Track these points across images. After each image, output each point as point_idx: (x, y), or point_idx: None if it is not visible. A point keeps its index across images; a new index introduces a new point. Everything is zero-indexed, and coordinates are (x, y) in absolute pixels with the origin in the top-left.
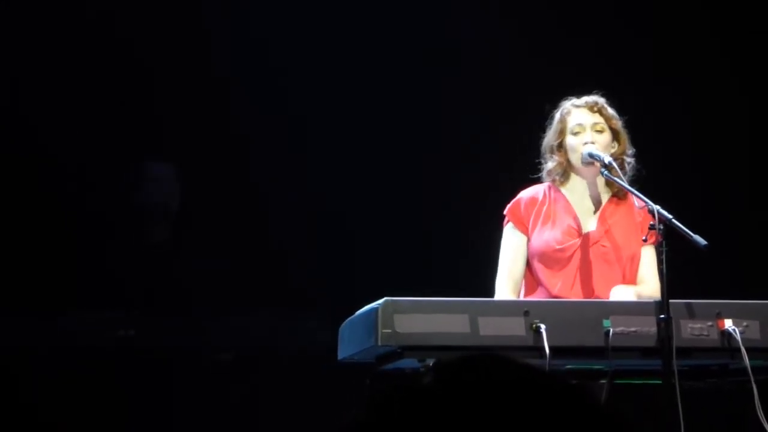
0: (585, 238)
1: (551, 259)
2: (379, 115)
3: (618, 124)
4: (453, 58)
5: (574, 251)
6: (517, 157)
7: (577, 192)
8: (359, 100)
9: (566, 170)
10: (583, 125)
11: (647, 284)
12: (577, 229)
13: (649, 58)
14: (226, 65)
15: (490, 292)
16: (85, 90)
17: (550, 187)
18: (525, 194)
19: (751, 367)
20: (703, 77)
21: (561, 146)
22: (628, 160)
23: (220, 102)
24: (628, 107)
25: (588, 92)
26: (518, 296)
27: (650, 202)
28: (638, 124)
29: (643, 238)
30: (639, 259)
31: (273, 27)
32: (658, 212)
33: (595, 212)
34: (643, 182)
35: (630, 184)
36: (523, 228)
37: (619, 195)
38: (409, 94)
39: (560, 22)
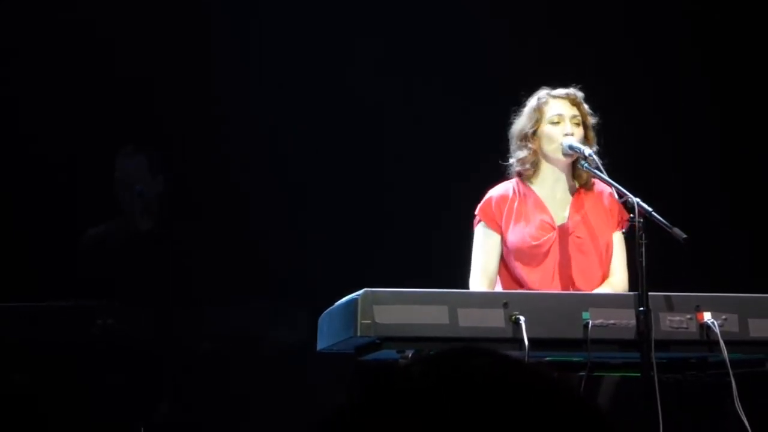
0: (560, 230)
1: (528, 255)
2: (358, 111)
3: (591, 121)
4: (431, 58)
5: (551, 245)
6: (491, 148)
7: (546, 185)
8: (341, 94)
9: (538, 159)
10: (563, 116)
11: (615, 275)
12: (550, 223)
13: (631, 54)
14: (208, 55)
15: (468, 285)
16: (65, 80)
17: (518, 183)
18: (495, 192)
19: (730, 360)
20: (681, 74)
21: (535, 134)
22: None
23: (204, 94)
24: (608, 101)
25: (565, 85)
26: None
27: (630, 195)
28: (619, 118)
29: (623, 231)
30: (612, 247)
31: (258, 18)
32: (638, 205)
33: (565, 204)
34: (623, 176)
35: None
36: (496, 226)
37: (587, 185)
38: (389, 90)
39: (540, 18)
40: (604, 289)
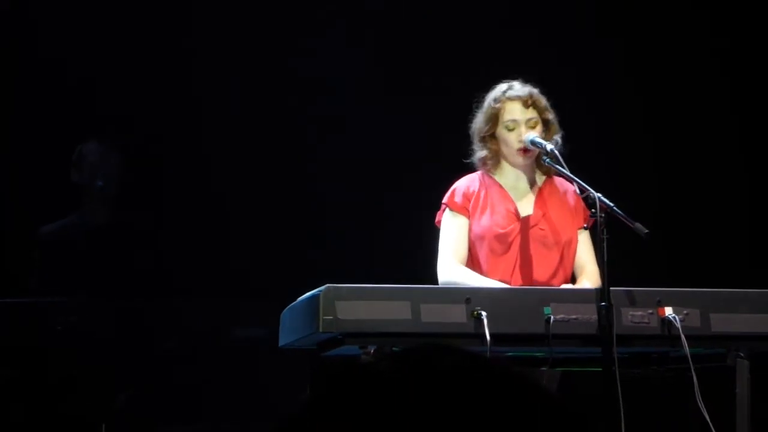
0: (523, 221)
1: (493, 243)
2: (326, 106)
3: (549, 114)
4: (399, 52)
5: (515, 236)
6: (456, 145)
7: (510, 177)
8: (307, 85)
9: (499, 159)
10: (517, 121)
11: (587, 271)
12: (514, 213)
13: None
14: (173, 47)
15: (433, 280)
16: (27, 70)
17: (483, 175)
18: (460, 183)
19: (691, 355)
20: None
21: (494, 136)
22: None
23: (168, 86)
24: (572, 96)
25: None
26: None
27: (592, 190)
28: (582, 115)
29: (585, 226)
30: (576, 244)
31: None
32: (600, 200)
33: (530, 196)
34: (586, 171)
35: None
36: (464, 210)
37: (549, 173)
38: (359, 84)
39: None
40: (584, 284)
